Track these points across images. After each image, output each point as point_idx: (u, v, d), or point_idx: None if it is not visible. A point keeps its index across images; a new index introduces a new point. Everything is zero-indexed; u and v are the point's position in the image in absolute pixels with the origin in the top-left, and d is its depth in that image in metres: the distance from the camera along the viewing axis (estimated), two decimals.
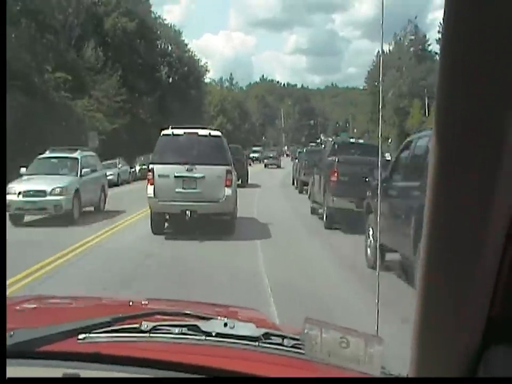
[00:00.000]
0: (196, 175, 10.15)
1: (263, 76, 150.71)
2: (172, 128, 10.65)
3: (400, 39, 66.32)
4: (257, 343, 1.24)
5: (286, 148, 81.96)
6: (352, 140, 16.82)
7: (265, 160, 47.08)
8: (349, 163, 11.63)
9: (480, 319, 0.68)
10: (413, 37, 66.79)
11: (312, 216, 14.00)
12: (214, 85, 72.88)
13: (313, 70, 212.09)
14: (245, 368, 1.18)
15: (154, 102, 40.88)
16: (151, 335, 1.24)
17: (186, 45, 53.44)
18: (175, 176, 10.13)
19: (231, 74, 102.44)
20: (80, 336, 1.21)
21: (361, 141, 17.72)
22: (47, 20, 30.22)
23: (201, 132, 10.72)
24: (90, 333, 1.22)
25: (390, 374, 1.18)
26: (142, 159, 32.17)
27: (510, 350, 0.68)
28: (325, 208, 11.86)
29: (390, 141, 48.81)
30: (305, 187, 20.12)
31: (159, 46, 47.60)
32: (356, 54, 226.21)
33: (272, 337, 1.26)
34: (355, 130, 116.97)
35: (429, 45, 68.20)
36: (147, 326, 1.24)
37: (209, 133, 10.75)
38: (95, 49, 35.18)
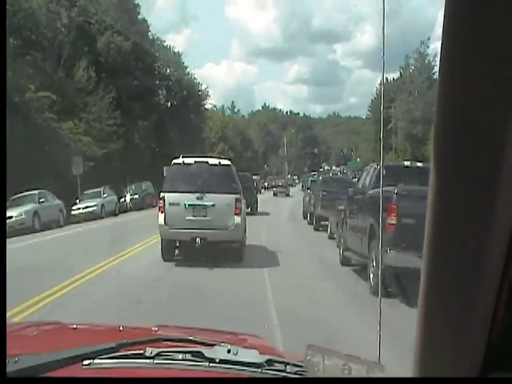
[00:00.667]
0: (206, 203, 10.30)
1: (265, 104, 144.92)
2: (182, 157, 10.91)
3: (413, 60, 63.53)
4: (260, 370, 1.24)
5: (288, 176, 79.25)
6: (406, 163, 11.49)
7: (274, 189, 49.17)
8: (413, 197, 7.52)
9: (484, 320, 0.68)
10: (425, 60, 64.67)
11: (346, 270, 9.85)
12: (216, 111, 68.59)
13: (315, 99, 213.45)
14: None
15: (150, 127, 38.33)
16: (155, 361, 1.25)
17: (186, 67, 50.54)
18: (185, 204, 10.29)
19: (232, 102, 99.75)
20: (85, 362, 1.22)
21: (419, 164, 11.50)
22: (32, 35, 27.67)
23: (211, 161, 10.94)
24: (94, 358, 1.23)
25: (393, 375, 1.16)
26: (134, 187, 29.18)
27: None
28: (374, 265, 7.88)
29: None
30: (322, 223, 17.35)
31: (156, 68, 44.60)
32: (357, 84, 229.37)
33: (275, 364, 1.27)
34: (358, 159, 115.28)
35: (433, 73, 64.12)
36: (151, 352, 1.25)
37: (219, 162, 10.91)
38: (86, 69, 32.50)
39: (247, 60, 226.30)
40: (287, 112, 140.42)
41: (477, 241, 0.64)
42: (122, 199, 27.31)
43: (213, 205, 10.31)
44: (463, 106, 0.60)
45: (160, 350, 1.27)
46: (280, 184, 52.08)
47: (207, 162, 10.87)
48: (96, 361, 1.23)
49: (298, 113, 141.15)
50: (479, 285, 0.66)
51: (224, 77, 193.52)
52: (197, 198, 10.31)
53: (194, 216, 10.31)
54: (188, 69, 50.54)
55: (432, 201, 0.67)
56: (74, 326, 2.04)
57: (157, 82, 44.30)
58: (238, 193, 10.65)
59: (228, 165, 10.99)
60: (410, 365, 0.78)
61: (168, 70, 47.23)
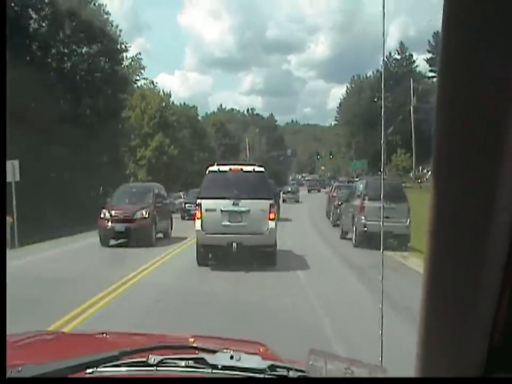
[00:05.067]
0: (241, 209, 10.67)
1: (221, 105, 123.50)
2: (217, 164, 11.46)
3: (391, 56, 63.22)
4: (263, 375, 1.25)
5: None
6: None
7: (283, 195, 41.77)
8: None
9: (486, 320, 0.69)
10: (399, 57, 60.05)
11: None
12: (152, 89, 44.43)
13: (270, 110, 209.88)
14: None
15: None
16: (158, 368, 1.25)
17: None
18: (221, 210, 10.64)
19: (184, 103, 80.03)
20: (88, 371, 1.22)
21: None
22: None
23: (246, 168, 11.36)
24: (97, 367, 1.23)
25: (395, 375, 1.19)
26: None
27: None
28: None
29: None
30: None
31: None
32: (312, 94, 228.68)
33: (278, 369, 1.28)
34: (322, 167, 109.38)
35: (416, 66, 65.06)
36: (154, 360, 1.25)
37: (253, 169, 11.27)
38: None
39: (201, 70, 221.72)
40: (248, 111, 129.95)
41: (477, 243, 0.64)
42: None
43: (248, 211, 10.65)
44: (462, 106, 0.61)
45: (163, 357, 1.28)
46: (290, 190, 45.89)
47: (242, 169, 11.25)
48: (99, 369, 1.23)
49: (259, 114, 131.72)
50: (480, 286, 0.67)
51: (177, 88, 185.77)
52: (233, 204, 10.65)
53: (230, 221, 10.63)
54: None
55: (432, 204, 0.67)
56: (77, 334, 2.17)
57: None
58: (271, 198, 11.10)
59: (262, 171, 11.31)
60: (412, 366, 0.79)
61: None
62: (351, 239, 15.63)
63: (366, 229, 13.96)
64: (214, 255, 11.25)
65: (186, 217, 24.45)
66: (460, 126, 0.61)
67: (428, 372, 0.76)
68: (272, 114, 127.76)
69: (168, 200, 20.02)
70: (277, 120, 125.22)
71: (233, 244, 10.50)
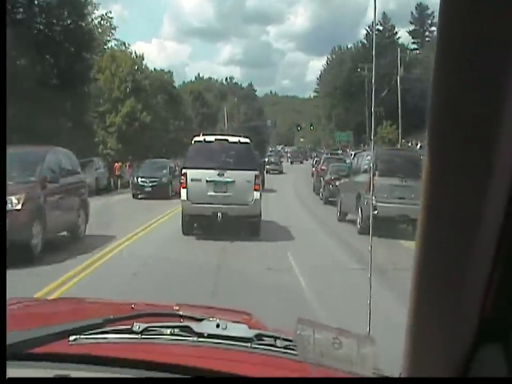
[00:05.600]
0: (226, 179, 10.70)
1: (199, 74, 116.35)
2: (203, 135, 11.59)
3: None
4: (249, 344, 1.24)
5: None
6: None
7: (267, 166, 40.60)
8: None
9: (473, 319, 0.69)
10: (381, 28, 58.69)
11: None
12: (124, 51, 40.05)
13: (248, 81, 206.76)
14: (237, 369, 1.19)
15: None
16: (142, 336, 1.23)
17: None
18: (207, 181, 10.67)
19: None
20: (71, 338, 1.21)
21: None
22: None
23: (231, 139, 11.46)
24: (81, 334, 1.22)
25: (382, 374, 1.19)
26: None
27: (503, 350, 0.69)
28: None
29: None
30: None
31: None
32: (291, 66, 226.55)
33: (265, 339, 1.27)
34: (301, 139, 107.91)
35: (398, 38, 64.79)
36: (139, 327, 1.24)
37: (239, 140, 11.35)
38: None
39: (178, 39, 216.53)
40: (227, 80, 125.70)
41: (465, 242, 0.64)
42: None
43: (233, 181, 10.69)
44: (457, 99, 0.60)
45: (148, 325, 1.26)
46: (273, 161, 45.06)
47: (227, 140, 11.28)
48: (82, 336, 1.22)
49: (238, 84, 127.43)
50: (469, 284, 0.67)
51: (154, 57, 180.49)
52: (218, 175, 10.64)
53: (215, 191, 10.67)
54: None
55: (425, 198, 0.66)
56: (62, 301, 2.15)
57: None
58: (256, 169, 11.22)
59: (247, 142, 11.34)
60: (400, 365, 0.78)
61: None
62: (352, 222, 12.91)
63: (376, 211, 10.11)
64: (199, 225, 11.34)
65: (140, 196, 20.97)
66: (454, 123, 0.61)
67: (415, 371, 0.76)
68: (251, 83, 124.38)
69: (81, 176, 12.35)
70: (256, 90, 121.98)
71: (218, 213, 10.58)
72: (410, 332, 0.74)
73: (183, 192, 10.74)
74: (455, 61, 0.59)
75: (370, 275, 1.57)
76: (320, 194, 21.12)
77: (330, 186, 18.13)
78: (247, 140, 11.45)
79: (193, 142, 11.39)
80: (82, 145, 29.67)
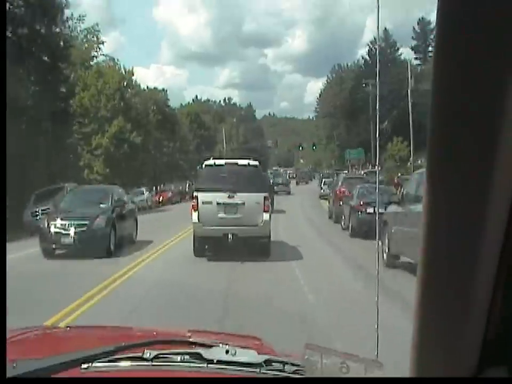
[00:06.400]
0: (236, 201, 10.96)
1: (196, 96, 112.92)
2: (213, 159, 11.95)
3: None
4: (258, 370, 1.24)
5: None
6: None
7: (275, 187, 39.98)
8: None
9: (481, 319, 0.68)
10: (383, 44, 57.42)
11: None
12: (112, 66, 36.53)
13: (247, 102, 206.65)
14: None
15: None
16: (153, 363, 1.24)
17: None
18: (217, 203, 10.95)
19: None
20: (83, 366, 1.21)
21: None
22: None
23: (241, 162, 11.67)
24: (93, 362, 1.22)
25: (390, 375, 1.18)
26: None
27: (510, 350, 0.69)
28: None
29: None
30: None
31: None
32: (288, 88, 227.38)
33: (274, 364, 1.27)
34: (301, 161, 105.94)
35: (400, 54, 63.19)
36: (150, 355, 1.24)
37: (248, 163, 11.54)
38: None
39: (177, 63, 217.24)
40: (225, 100, 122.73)
41: (470, 244, 0.64)
42: None
43: (243, 203, 10.93)
44: (456, 104, 0.61)
45: (159, 352, 1.26)
46: (281, 182, 44.48)
47: (237, 163, 11.63)
48: (94, 364, 1.22)
49: (237, 104, 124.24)
50: (475, 285, 0.66)
51: (153, 82, 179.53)
52: (228, 197, 10.93)
53: (226, 214, 10.93)
54: None
55: (426, 202, 0.66)
56: (73, 330, 2.08)
57: None
58: (266, 191, 11.61)
59: (256, 165, 11.66)
60: (408, 365, 0.77)
61: None
62: (408, 267, 9.00)
63: None
64: (210, 246, 11.50)
65: (58, 251, 12.34)
66: (455, 126, 0.61)
67: (423, 371, 0.75)
68: (250, 104, 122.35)
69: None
70: (255, 110, 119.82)
71: (229, 235, 10.83)
72: (417, 333, 0.73)
73: (195, 214, 10.98)
74: (453, 64, 0.59)
75: (377, 298, 1.47)
76: (343, 224, 17.14)
77: (359, 213, 14.53)
78: (256, 163, 11.73)
79: (203, 165, 11.85)
80: (63, 170, 26.47)
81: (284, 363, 1.26)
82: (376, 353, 1.30)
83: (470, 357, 0.69)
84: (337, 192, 19.39)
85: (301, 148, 73.40)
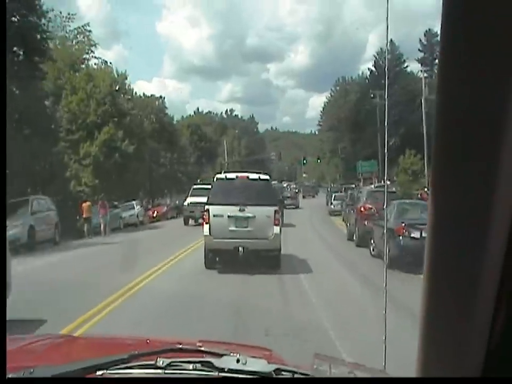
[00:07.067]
0: (247, 214, 11.13)
1: (198, 108, 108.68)
2: (224, 172, 12.16)
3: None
4: (268, 379, 1.26)
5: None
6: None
7: (284, 201, 37.46)
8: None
9: (486, 320, 0.68)
10: (389, 56, 56.98)
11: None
12: (104, 69, 33.35)
13: (249, 115, 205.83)
14: None
15: None
16: (166, 371, 1.26)
17: None
18: (228, 216, 11.12)
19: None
20: (98, 373, 1.22)
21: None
22: None
23: (252, 175, 11.79)
24: (107, 369, 1.24)
25: (396, 375, 1.17)
26: None
27: None
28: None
29: None
30: None
31: None
32: (291, 103, 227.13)
33: (283, 373, 1.28)
34: (304, 175, 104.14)
35: (406, 66, 61.60)
36: (162, 363, 1.27)
37: (259, 177, 11.73)
38: None
39: (179, 77, 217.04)
40: (227, 112, 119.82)
41: (475, 246, 0.65)
42: None
43: (254, 217, 11.10)
44: (461, 107, 0.61)
45: (171, 360, 1.28)
46: (288, 195, 43.02)
47: (248, 176, 11.68)
48: (109, 371, 1.23)
49: (238, 116, 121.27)
50: (479, 287, 0.67)
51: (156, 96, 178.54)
52: (239, 210, 11.08)
53: (236, 227, 11.11)
54: None
55: (431, 207, 0.67)
56: (88, 338, 2.15)
57: None
58: (276, 205, 11.65)
59: (267, 179, 11.85)
60: (413, 366, 0.78)
61: None
62: None
63: None
64: (221, 259, 11.67)
65: None
66: (459, 129, 0.61)
67: (428, 372, 0.75)
68: (252, 116, 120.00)
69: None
70: (258, 123, 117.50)
71: (240, 248, 11.00)
72: (423, 334, 0.74)
73: (206, 227, 11.13)
74: (457, 74, 0.59)
75: (385, 311, 1.51)
76: (372, 249, 13.78)
77: (401, 238, 11.29)
78: (267, 177, 11.94)
79: (215, 179, 12.00)
80: (47, 181, 23.72)
81: (293, 372, 1.29)
82: (383, 363, 1.40)
83: (475, 358, 0.69)
84: (362, 209, 16.22)
85: (305, 161, 71.26)
